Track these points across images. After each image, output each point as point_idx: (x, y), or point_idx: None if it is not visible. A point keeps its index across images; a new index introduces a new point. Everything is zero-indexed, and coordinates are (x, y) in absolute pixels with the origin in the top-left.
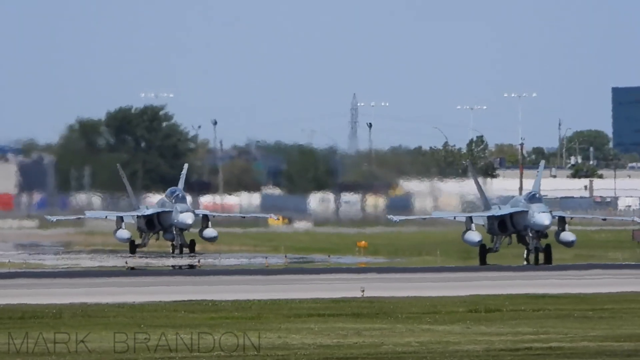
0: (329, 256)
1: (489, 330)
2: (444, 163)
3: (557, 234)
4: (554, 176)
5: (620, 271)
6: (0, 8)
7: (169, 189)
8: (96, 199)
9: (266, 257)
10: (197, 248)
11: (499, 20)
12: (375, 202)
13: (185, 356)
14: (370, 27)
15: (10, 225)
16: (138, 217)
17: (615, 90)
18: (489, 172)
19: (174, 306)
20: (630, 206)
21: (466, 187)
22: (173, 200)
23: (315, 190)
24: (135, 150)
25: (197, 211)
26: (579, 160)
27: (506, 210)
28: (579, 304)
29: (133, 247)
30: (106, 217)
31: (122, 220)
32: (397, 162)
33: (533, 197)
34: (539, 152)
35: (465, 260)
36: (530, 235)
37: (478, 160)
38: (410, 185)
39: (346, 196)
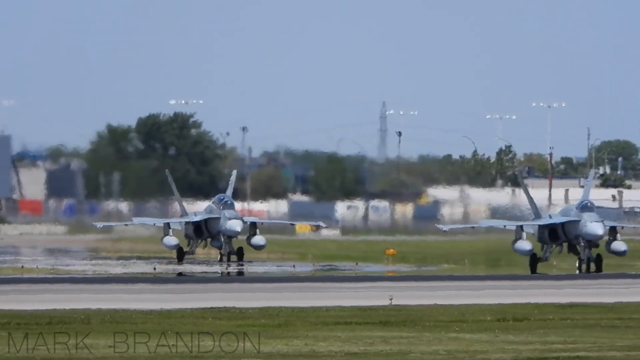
0: (356, 264)
1: (517, 339)
2: (473, 172)
3: (608, 243)
4: (582, 186)
5: None
6: (32, 14)
7: (217, 196)
8: (125, 206)
9: (294, 265)
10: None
11: (529, 30)
12: (403, 210)
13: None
14: (400, 35)
15: (40, 231)
16: (186, 223)
17: None
18: (517, 181)
19: (201, 313)
20: None
21: (495, 195)
22: (221, 207)
23: (343, 198)
24: (164, 157)
25: (245, 218)
26: (608, 171)
27: (557, 219)
28: (606, 314)
29: (181, 254)
30: (154, 224)
31: (170, 227)
32: (426, 171)
33: (585, 207)
34: (567, 162)
35: (493, 269)
36: (582, 244)
37: (507, 170)
38: (439, 194)
39: (374, 204)
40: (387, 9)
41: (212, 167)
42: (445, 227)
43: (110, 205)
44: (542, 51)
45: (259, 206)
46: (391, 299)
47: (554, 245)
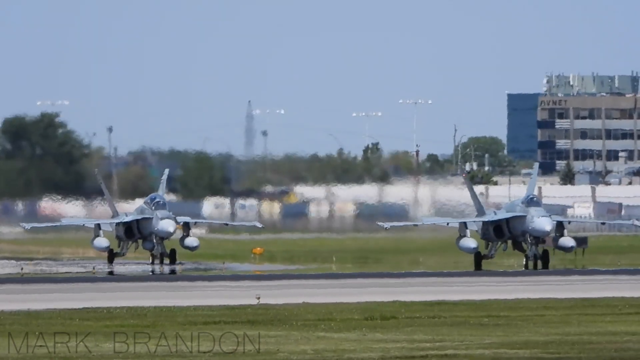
0: (223, 263)
1: (385, 337)
2: (340, 170)
3: (555, 239)
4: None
5: (515, 278)
6: None
7: (149, 195)
8: None
9: (161, 264)
10: (90, 253)
11: (394, 26)
12: (270, 209)
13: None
14: (264, 33)
15: None
16: (117, 224)
17: (511, 97)
18: (384, 179)
19: (69, 314)
20: None
21: (361, 193)
22: (153, 207)
23: (210, 196)
24: (32, 157)
25: (178, 218)
26: (474, 167)
27: (502, 215)
28: (474, 311)
29: (111, 256)
30: (84, 224)
31: (100, 228)
32: (293, 169)
33: (531, 201)
34: (433, 159)
35: (361, 267)
36: (529, 241)
37: (373, 168)
38: (307, 192)
39: (242, 202)
40: (255, 7)
41: (78, 167)
42: (386, 225)
43: None
44: (408, 47)
45: (126, 206)
46: (259, 298)
47: (499, 243)
